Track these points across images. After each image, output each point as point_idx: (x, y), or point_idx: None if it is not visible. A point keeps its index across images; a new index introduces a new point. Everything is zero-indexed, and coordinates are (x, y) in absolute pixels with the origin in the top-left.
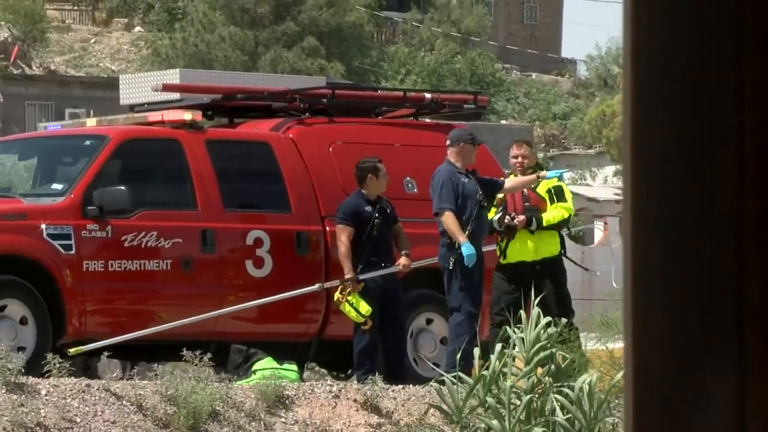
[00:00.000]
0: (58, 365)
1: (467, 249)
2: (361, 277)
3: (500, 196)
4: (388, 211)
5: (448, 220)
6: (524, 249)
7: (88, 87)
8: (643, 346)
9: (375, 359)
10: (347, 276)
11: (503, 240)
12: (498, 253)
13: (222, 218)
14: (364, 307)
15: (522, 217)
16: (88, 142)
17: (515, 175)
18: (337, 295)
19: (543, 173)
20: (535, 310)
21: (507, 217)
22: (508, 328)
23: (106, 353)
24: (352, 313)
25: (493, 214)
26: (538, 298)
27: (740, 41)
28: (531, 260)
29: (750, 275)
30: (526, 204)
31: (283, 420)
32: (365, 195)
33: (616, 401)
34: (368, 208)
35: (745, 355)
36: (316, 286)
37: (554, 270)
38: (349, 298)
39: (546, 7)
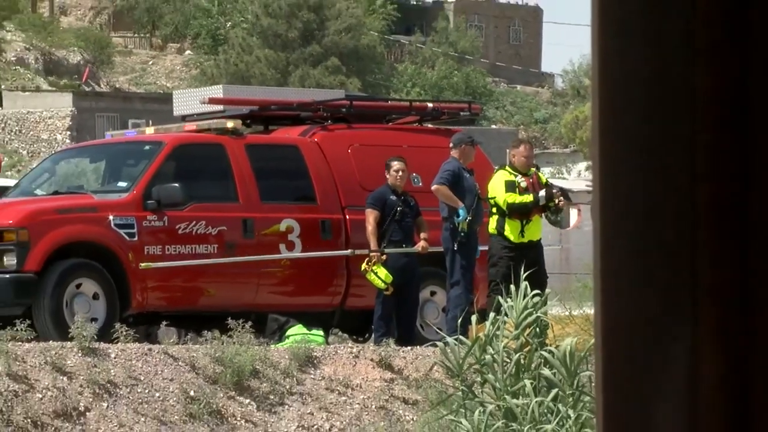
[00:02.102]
0: (124, 333)
1: (463, 212)
2: (385, 250)
3: (523, 185)
4: (412, 204)
5: (443, 190)
6: (537, 229)
7: (146, 101)
8: (611, 310)
9: (391, 325)
10: (372, 248)
11: (522, 221)
12: (507, 233)
13: (259, 209)
14: (387, 276)
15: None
16: (147, 147)
17: (523, 172)
18: (364, 265)
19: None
20: (524, 283)
21: (554, 192)
22: (500, 298)
23: (164, 322)
24: (376, 281)
25: (522, 198)
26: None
27: (691, 55)
28: (538, 239)
29: (701, 251)
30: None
31: (312, 376)
32: (392, 186)
33: (592, 358)
34: (393, 197)
35: (698, 317)
36: (348, 251)
37: (542, 248)
38: (374, 268)
39: (528, 29)
